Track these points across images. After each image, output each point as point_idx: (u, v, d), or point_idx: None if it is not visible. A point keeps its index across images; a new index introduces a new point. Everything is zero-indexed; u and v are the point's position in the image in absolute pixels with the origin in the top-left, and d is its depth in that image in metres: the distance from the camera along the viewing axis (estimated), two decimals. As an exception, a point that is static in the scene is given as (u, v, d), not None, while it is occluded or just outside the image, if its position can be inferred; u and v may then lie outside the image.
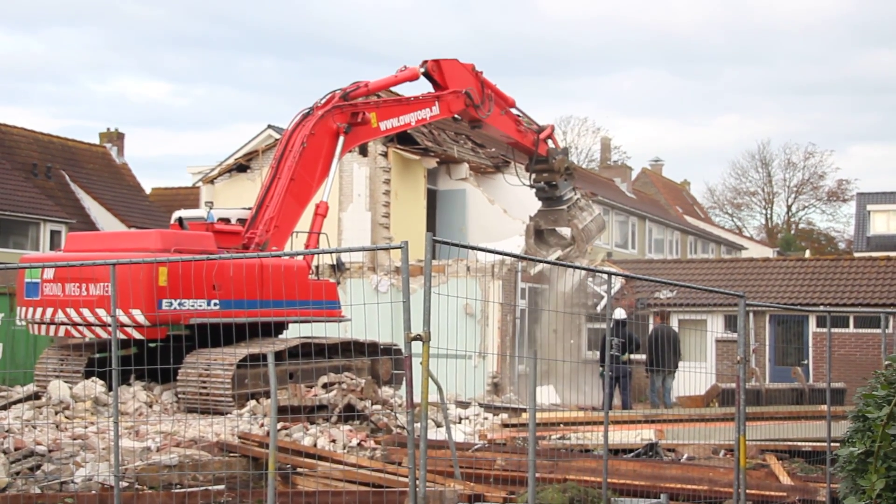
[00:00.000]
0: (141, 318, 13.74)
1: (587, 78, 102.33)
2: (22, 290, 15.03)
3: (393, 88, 20.71)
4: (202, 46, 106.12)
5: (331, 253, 17.97)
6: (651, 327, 21.45)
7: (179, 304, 13.93)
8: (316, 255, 17.47)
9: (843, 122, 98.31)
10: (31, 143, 35.01)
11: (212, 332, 13.11)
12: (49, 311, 14.47)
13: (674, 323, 21.65)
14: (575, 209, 23.30)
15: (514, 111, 21.42)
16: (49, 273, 14.37)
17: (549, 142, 22.51)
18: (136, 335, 14.12)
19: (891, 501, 5.31)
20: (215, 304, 14.32)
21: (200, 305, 14.19)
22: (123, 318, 13.66)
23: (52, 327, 14.61)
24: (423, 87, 19.67)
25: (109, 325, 13.75)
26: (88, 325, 14.33)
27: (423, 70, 18.97)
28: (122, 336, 13.96)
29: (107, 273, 13.24)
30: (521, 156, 23.20)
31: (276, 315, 14.57)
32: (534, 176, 22.59)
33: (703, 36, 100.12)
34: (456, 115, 20.55)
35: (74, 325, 14.41)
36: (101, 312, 14.03)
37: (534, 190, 23.13)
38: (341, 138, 16.76)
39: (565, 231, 23.80)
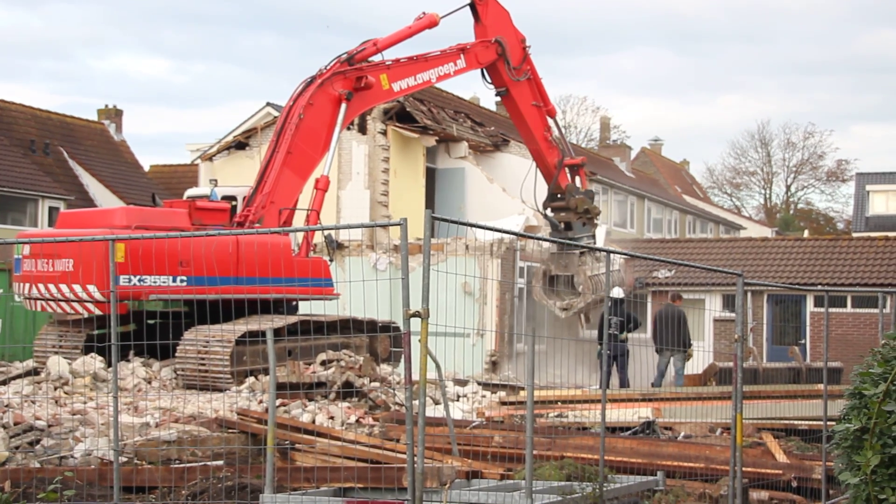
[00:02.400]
0: (97, 294, 13.88)
1: (588, 57, 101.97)
2: (12, 267, 15.26)
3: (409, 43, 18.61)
4: (202, 23, 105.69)
5: (325, 230, 17.87)
6: (659, 307, 21.01)
7: (140, 281, 13.89)
8: (316, 233, 17.39)
9: (845, 101, 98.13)
10: (29, 119, 34.90)
11: (211, 309, 13.14)
12: (26, 286, 14.70)
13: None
14: (588, 255, 20.69)
15: (550, 121, 19.77)
16: (27, 249, 14.62)
17: (576, 177, 20.57)
18: (96, 311, 14.27)
19: (885, 477, 5.35)
20: (182, 281, 14.28)
21: (164, 282, 14.13)
22: (82, 294, 13.91)
23: (30, 301, 14.87)
24: (439, 40, 18.75)
25: (73, 301, 14.04)
26: (55, 300, 14.51)
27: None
28: (84, 312, 14.24)
29: (69, 249, 13.57)
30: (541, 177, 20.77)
31: (255, 292, 14.41)
32: (549, 211, 20.39)
33: (705, 15, 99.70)
34: (485, 74, 18.58)
35: (45, 300, 14.64)
36: (64, 288, 14.23)
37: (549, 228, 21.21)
38: (343, 105, 15.96)
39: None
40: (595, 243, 20.66)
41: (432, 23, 17.20)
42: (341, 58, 16.16)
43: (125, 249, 13.54)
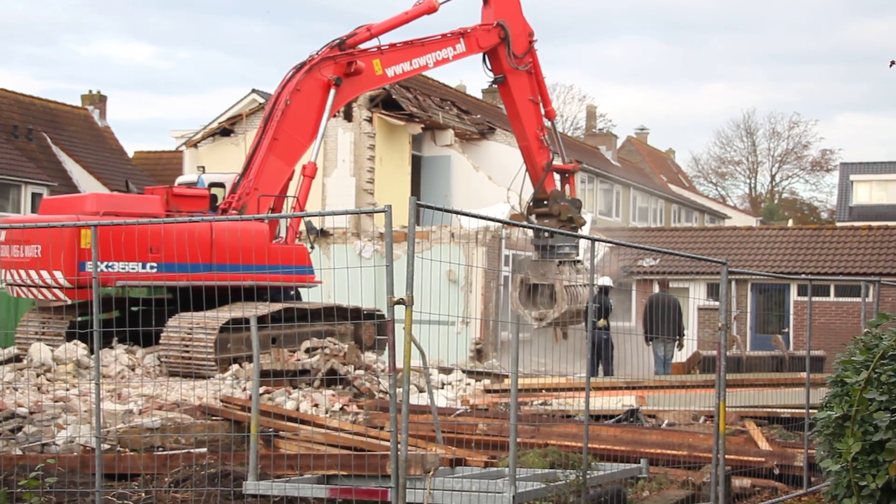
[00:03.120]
0: (63, 280, 13.95)
1: (575, 45, 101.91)
2: None
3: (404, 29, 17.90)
4: (187, 8, 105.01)
5: (308, 216, 17.75)
6: (650, 294, 20.66)
7: (108, 267, 13.86)
8: (302, 219, 17.31)
9: (831, 91, 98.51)
10: (11, 104, 34.63)
11: (194, 295, 13.10)
12: (3, 272, 14.91)
13: (656, 290, 21.50)
14: (568, 265, 19.12)
15: (547, 123, 18.95)
16: (2, 235, 14.79)
17: (566, 184, 19.50)
18: (64, 297, 14.33)
19: (866, 464, 5.38)
20: (152, 267, 14.27)
21: (133, 268, 14.10)
22: (49, 280, 14.00)
23: (11, 287, 15.09)
24: (435, 28, 17.87)
25: (42, 287, 14.10)
26: (27, 286, 14.62)
27: None
28: (52, 298, 14.34)
29: (36, 235, 13.68)
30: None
31: (230, 279, 14.32)
32: (533, 216, 19.26)
33: (692, 3, 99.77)
34: (486, 59, 17.95)
35: (19, 286, 14.80)
36: (34, 274, 14.37)
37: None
38: (332, 91, 15.70)
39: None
40: (578, 255, 19.38)
41: (430, 8, 16.75)
42: (333, 43, 15.91)
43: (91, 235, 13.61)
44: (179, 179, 17.98)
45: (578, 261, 18.99)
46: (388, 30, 16.49)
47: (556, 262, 18.96)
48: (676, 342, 19.27)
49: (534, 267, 19.26)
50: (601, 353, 18.70)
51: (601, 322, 18.80)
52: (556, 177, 19.56)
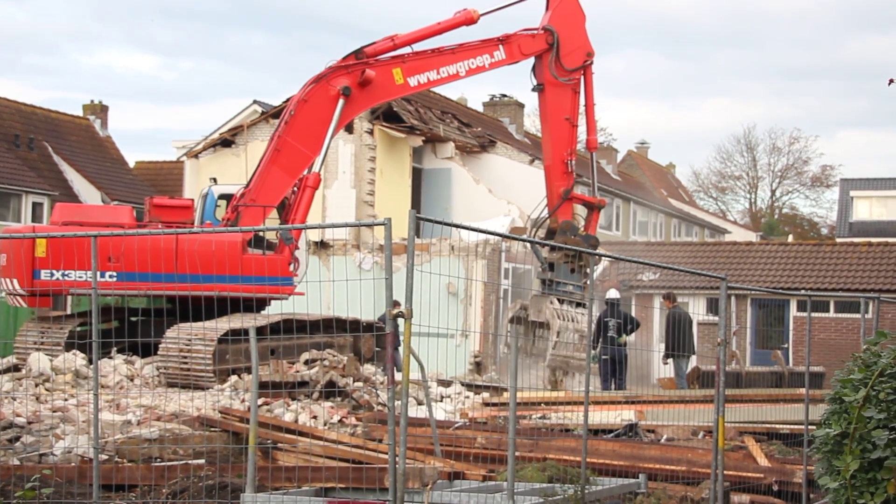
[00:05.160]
0: (19, 288, 14.30)
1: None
2: None
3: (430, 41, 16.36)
4: (190, 19, 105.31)
5: (308, 228, 17.62)
6: (668, 311, 19.35)
7: (63, 275, 13.97)
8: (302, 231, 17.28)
9: (833, 107, 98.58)
10: (13, 113, 34.69)
11: (193, 306, 13.07)
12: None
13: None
14: (567, 304, 16.66)
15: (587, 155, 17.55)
16: None
17: (589, 220, 17.60)
18: (23, 303, 14.86)
19: (864, 482, 5.38)
20: (111, 276, 14.33)
21: (91, 277, 14.17)
22: (10, 287, 14.37)
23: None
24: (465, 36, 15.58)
25: (10, 294, 14.74)
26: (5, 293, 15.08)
27: None
28: (17, 304, 14.86)
29: (3, 245, 14.11)
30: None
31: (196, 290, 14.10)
32: (540, 247, 16.94)
33: (695, 18, 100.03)
34: (532, 67, 16.53)
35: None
36: (6, 282, 14.76)
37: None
38: (340, 102, 15.11)
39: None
40: (582, 298, 16.63)
41: (469, 20, 15.49)
42: (351, 53, 15.32)
43: (46, 245, 13.85)
44: (198, 192, 17.96)
45: (582, 304, 16.54)
46: (415, 41, 15.52)
47: (542, 293, 16.72)
48: (688, 357, 19.19)
49: (533, 303, 16.98)
50: (614, 368, 18.01)
51: (622, 339, 17.87)
52: (581, 210, 17.99)
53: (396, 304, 6.45)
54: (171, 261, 13.99)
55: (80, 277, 13.94)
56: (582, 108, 17.08)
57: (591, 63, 16.82)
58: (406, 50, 15.59)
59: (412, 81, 15.49)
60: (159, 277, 13.50)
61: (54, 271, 13.99)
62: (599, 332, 17.70)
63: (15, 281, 14.38)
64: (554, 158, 16.83)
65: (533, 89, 16.82)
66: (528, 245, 16.84)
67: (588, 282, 9.87)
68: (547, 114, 16.82)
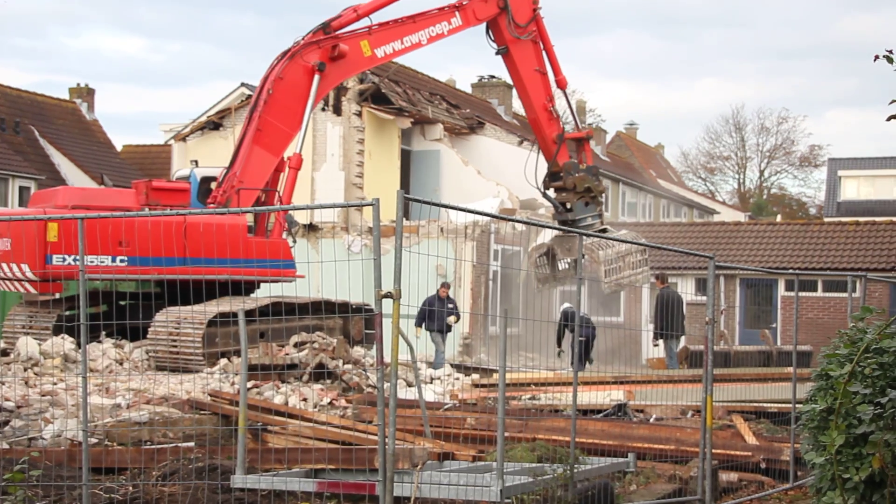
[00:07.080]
0: (29, 273, 13.97)
1: (568, 40, 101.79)
2: None
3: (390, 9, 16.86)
4: (178, 1, 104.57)
5: (294, 209, 17.56)
6: (659, 291, 19.64)
7: (75, 260, 13.86)
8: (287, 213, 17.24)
9: (823, 86, 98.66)
10: (-1, 97, 34.46)
11: (181, 289, 13.06)
12: None
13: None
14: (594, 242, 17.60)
15: (560, 94, 18.03)
16: None
17: (582, 152, 18.38)
18: (31, 289, 14.41)
19: (849, 457, 5.41)
20: (122, 261, 14.21)
21: (102, 261, 14.04)
22: (18, 273, 14.04)
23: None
24: (427, 5, 16.45)
25: (13, 280, 14.17)
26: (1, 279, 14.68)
27: None
28: (21, 290, 14.45)
29: (7, 229, 13.76)
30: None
31: (204, 273, 14.13)
32: (550, 190, 18.10)
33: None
34: (488, 31, 17.23)
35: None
36: (5, 267, 14.41)
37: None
38: (316, 77, 15.35)
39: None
40: (602, 223, 18.39)
41: None
42: (317, 27, 15.55)
43: (58, 229, 13.58)
44: (176, 174, 17.88)
45: (604, 228, 18.07)
46: (375, 10, 15.93)
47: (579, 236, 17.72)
48: (678, 337, 19.18)
49: (557, 241, 18.37)
50: (586, 348, 18.00)
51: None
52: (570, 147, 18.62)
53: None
54: (182, 245, 13.85)
55: (91, 262, 13.86)
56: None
57: (540, 9, 17.55)
58: (367, 21, 15.99)
59: (379, 53, 15.99)
60: (172, 262, 13.38)
61: (66, 256, 13.72)
62: (562, 328, 17.59)
63: (25, 266, 14.01)
64: (536, 109, 17.64)
65: (497, 53, 17.41)
66: (516, 219, 17.00)
67: (578, 261, 9.85)
68: (518, 72, 17.45)
